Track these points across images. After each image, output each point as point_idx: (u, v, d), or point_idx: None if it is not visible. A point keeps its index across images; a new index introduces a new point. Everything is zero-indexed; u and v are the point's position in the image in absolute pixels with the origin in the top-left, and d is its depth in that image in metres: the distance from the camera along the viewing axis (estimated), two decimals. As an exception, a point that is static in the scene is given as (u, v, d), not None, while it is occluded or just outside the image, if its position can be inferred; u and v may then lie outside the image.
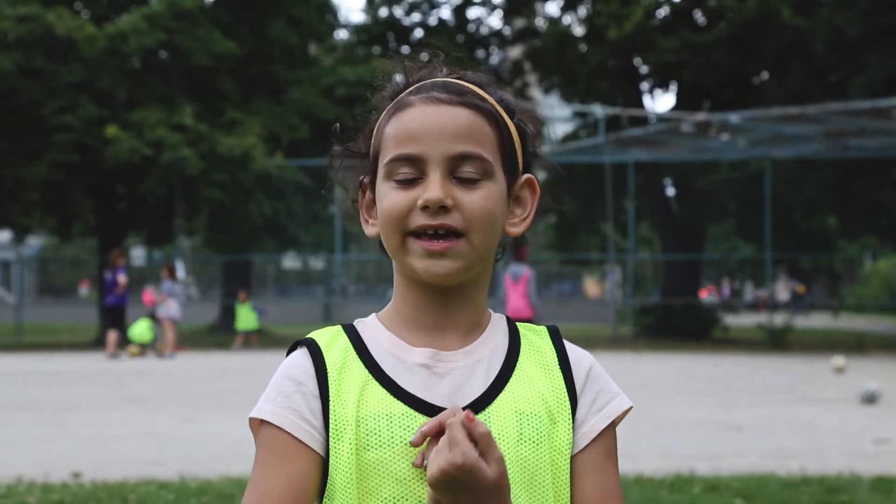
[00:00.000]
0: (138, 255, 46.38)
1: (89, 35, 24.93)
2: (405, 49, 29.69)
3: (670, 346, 25.43)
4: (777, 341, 26.65)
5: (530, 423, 1.51)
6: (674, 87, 30.77)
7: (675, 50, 26.72)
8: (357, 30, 32.70)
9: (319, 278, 51.91)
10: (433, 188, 1.48)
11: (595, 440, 1.54)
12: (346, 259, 37.86)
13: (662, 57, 27.23)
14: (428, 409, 1.48)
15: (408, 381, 1.51)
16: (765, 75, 29.93)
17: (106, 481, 7.58)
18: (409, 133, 1.51)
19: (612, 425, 1.57)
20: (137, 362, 20.95)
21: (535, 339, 1.61)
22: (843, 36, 25.38)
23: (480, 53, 31.92)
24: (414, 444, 1.44)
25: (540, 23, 31.50)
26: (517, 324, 1.63)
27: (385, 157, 1.53)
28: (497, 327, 1.60)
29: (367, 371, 1.52)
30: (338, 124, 1.66)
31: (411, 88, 1.57)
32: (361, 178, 1.60)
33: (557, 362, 1.58)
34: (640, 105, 30.64)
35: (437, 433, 1.42)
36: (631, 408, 1.59)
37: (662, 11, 28.10)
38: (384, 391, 1.50)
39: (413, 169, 1.50)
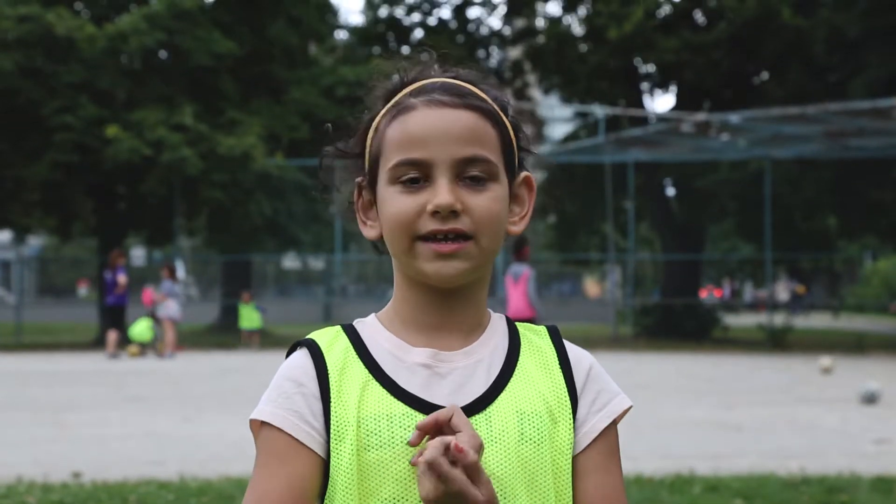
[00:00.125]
0: (138, 255, 46.38)
1: (89, 35, 24.93)
2: (405, 49, 29.68)
3: (670, 346, 25.44)
4: (777, 341, 26.65)
5: (531, 422, 1.51)
6: (674, 87, 30.78)
7: (675, 50, 26.72)
8: (356, 31, 32.73)
9: (319, 278, 51.91)
10: (443, 193, 1.48)
11: (596, 440, 1.55)
12: (346, 259, 37.87)
13: (662, 57, 27.24)
14: (428, 409, 1.48)
15: (408, 382, 1.51)
16: (765, 75, 29.93)
17: (106, 481, 7.58)
18: (414, 137, 1.50)
19: (613, 424, 1.57)
20: (137, 362, 20.94)
21: (535, 339, 1.61)
22: (843, 36, 25.38)
23: (481, 53, 31.93)
24: (412, 444, 1.44)
25: (540, 23, 31.49)
26: (517, 324, 1.63)
27: (389, 162, 1.52)
28: (497, 327, 1.60)
29: (367, 371, 1.52)
30: (329, 125, 1.65)
31: (410, 90, 1.56)
32: (358, 179, 1.60)
33: (558, 362, 1.58)
34: (640, 105, 30.65)
35: (434, 430, 1.42)
36: (631, 407, 1.59)
37: (663, 11, 28.10)
38: (384, 391, 1.50)
39: (419, 173, 1.50)
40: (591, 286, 65.77)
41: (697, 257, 32.19)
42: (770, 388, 15.40)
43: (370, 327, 1.58)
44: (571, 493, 1.52)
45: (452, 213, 1.48)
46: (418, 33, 31.65)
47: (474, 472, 1.37)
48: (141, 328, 22.66)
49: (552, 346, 1.60)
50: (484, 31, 32.77)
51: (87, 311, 34.93)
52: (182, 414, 11.92)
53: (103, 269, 24.03)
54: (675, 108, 29.78)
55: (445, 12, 32.20)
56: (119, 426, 10.93)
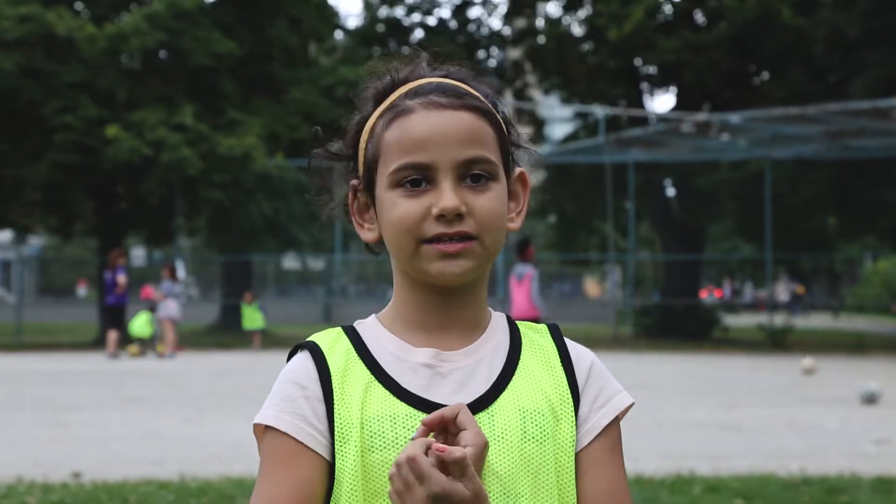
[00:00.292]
0: (138, 255, 46.39)
1: (89, 35, 24.93)
2: (405, 50, 29.67)
3: (670, 347, 25.44)
4: (777, 342, 26.65)
5: (534, 420, 1.51)
6: (674, 87, 30.78)
7: (676, 50, 26.72)
8: (355, 33, 32.73)
9: (319, 278, 51.92)
10: (447, 197, 1.48)
11: (599, 436, 1.54)
12: (346, 259, 37.86)
13: (662, 57, 27.24)
14: (431, 409, 1.47)
15: (410, 382, 1.51)
16: (765, 75, 29.94)
17: (106, 481, 7.58)
18: (415, 141, 1.50)
19: (616, 421, 1.57)
20: (137, 362, 20.94)
21: (536, 337, 1.61)
22: (843, 36, 25.39)
23: (481, 54, 31.95)
24: (415, 440, 1.43)
25: (540, 23, 31.50)
26: (518, 322, 1.63)
27: (389, 166, 1.51)
28: (498, 326, 1.60)
29: (369, 373, 1.52)
30: (318, 128, 1.65)
31: (405, 91, 1.55)
32: (353, 182, 1.60)
33: (559, 359, 1.58)
34: (641, 105, 30.66)
35: (440, 428, 1.42)
36: (633, 404, 1.59)
37: (663, 12, 28.10)
38: (387, 392, 1.50)
39: (421, 177, 1.50)
40: (592, 286, 65.81)
41: (697, 257, 32.19)
42: (770, 389, 15.40)
43: (371, 328, 1.58)
44: (574, 490, 1.52)
45: (457, 216, 1.48)
46: (418, 34, 31.67)
47: (460, 468, 1.36)
48: (141, 322, 22.64)
49: (553, 343, 1.60)
50: (484, 31, 32.78)
51: (88, 311, 34.94)
52: (182, 414, 11.91)
53: (103, 270, 24.03)
54: (675, 109, 29.78)
55: (445, 12, 32.22)
56: (119, 426, 10.93)
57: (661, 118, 28.43)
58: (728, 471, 8.02)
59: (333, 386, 1.51)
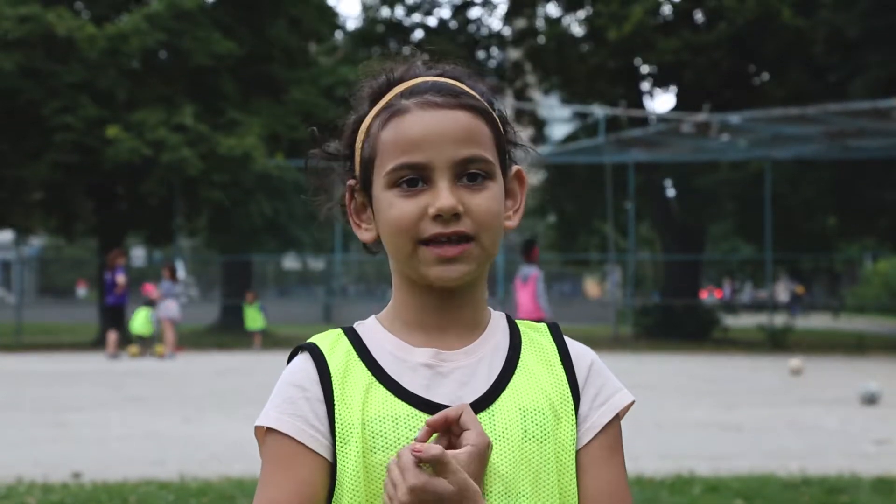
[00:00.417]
0: (138, 255, 46.39)
1: (90, 35, 24.93)
2: (406, 50, 29.66)
3: (670, 347, 25.44)
4: (777, 342, 26.65)
5: (534, 419, 1.51)
6: (674, 87, 30.78)
7: (675, 50, 26.72)
8: (355, 34, 32.73)
9: (319, 278, 51.93)
10: (444, 196, 1.48)
11: (599, 434, 1.54)
12: (346, 259, 37.86)
13: (662, 57, 27.24)
14: (432, 409, 1.48)
15: (411, 382, 1.51)
16: (765, 75, 29.94)
17: (106, 481, 7.58)
18: (411, 140, 1.50)
19: (616, 419, 1.57)
20: (137, 362, 20.94)
21: (536, 336, 1.61)
22: (843, 36, 25.39)
23: (481, 54, 31.94)
24: (420, 441, 1.44)
25: (540, 24, 31.50)
26: (518, 321, 1.63)
27: (386, 166, 1.51)
28: (498, 325, 1.60)
29: (370, 374, 1.52)
30: (314, 128, 1.65)
31: (401, 91, 1.55)
32: (350, 182, 1.60)
33: (559, 358, 1.58)
34: (641, 105, 30.66)
35: (444, 428, 1.43)
36: (633, 402, 1.59)
37: (664, 11, 28.09)
38: (388, 393, 1.50)
39: (417, 176, 1.50)
40: (592, 286, 65.82)
41: (697, 258, 32.19)
42: (770, 389, 15.40)
43: (371, 329, 1.58)
44: (575, 488, 1.52)
45: (454, 216, 1.48)
46: (418, 34, 31.66)
47: (440, 463, 1.37)
48: (141, 320, 22.61)
49: (553, 342, 1.60)
50: (484, 31, 32.78)
51: (88, 311, 34.94)
52: (182, 414, 11.91)
53: (103, 270, 24.03)
54: (675, 109, 29.79)
55: (445, 13, 32.22)
56: (119, 426, 10.93)
57: (661, 118, 28.43)
58: (728, 471, 8.02)
59: (334, 387, 1.51)
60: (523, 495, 1.47)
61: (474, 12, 32.73)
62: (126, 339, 22.97)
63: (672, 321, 29.00)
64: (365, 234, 1.59)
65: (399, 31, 31.77)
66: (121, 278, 22.27)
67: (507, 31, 33.29)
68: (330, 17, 32.26)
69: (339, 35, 34.50)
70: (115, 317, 22.65)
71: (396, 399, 1.50)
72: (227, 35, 26.95)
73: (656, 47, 26.93)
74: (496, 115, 1.58)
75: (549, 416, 1.52)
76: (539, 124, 34.10)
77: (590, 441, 1.54)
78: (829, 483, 7.45)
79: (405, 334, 1.55)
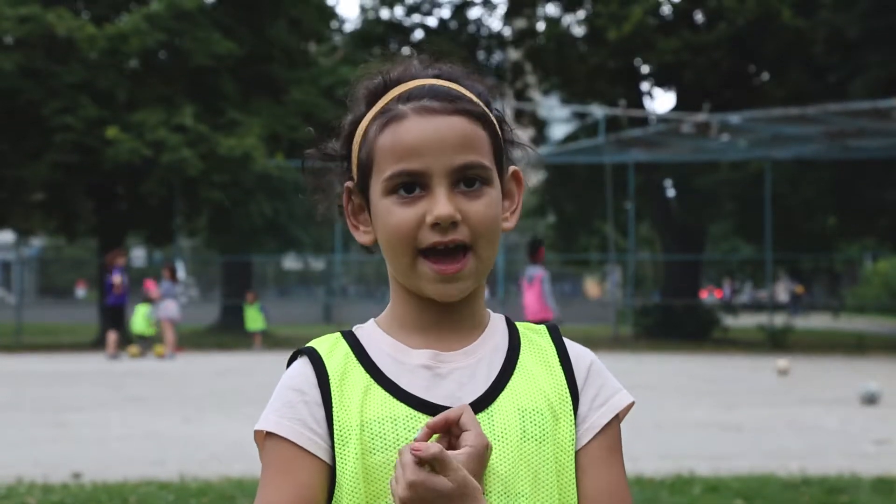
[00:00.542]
0: (138, 255, 46.40)
1: (89, 35, 24.93)
2: (405, 50, 29.67)
3: (670, 347, 25.44)
4: (777, 342, 26.65)
5: (533, 420, 1.51)
6: (674, 87, 30.77)
7: (675, 50, 26.72)
8: (354, 35, 32.73)
9: (320, 279, 51.93)
10: (442, 204, 1.47)
11: (598, 435, 1.54)
12: (346, 259, 37.86)
13: (662, 57, 27.23)
14: (431, 409, 1.48)
15: (410, 384, 1.51)
16: (765, 75, 29.94)
17: (106, 482, 7.58)
18: (409, 147, 1.49)
19: (616, 420, 1.57)
20: (137, 363, 20.95)
21: (535, 337, 1.61)
22: (843, 36, 25.38)
23: (481, 54, 31.93)
24: (418, 441, 1.44)
25: (540, 24, 31.51)
26: (517, 323, 1.63)
27: (384, 172, 1.51)
28: (496, 327, 1.60)
29: (368, 376, 1.52)
30: (311, 129, 1.65)
31: (398, 95, 1.54)
32: (347, 184, 1.59)
33: (558, 359, 1.58)
34: (641, 105, 30.65)
35: (444, 429, 1.43)
36: (633, 403, 1.59)
37: (664, 11, 28.09)
38: (387, 394, 1.50)
39: (415, 183, 1.50)
40: (592, 287, 65.82)
41: (697, 258, 32.19)
42: (770, 389, 15.40)
43: (369, 332, 1.58)
44: (575, 489, 1.52)
45: (452, 224, 1.48)
46: (418, 34, 31.66)
47: (440, 462, 1.37)
48: (141, 319, 22.59)
49: (552, 343, 1.60)
50: (484, 32, 32.78)
51: (88, 311, 34.94)
52: (182, 414, 11.91)
53: (104, 270, 24.03)
54: (675, 109, 29.78)
55: (445, 13, 32.22)
56: (119, 426, 10.93)
57: (661, 118, 28.43)
58: (728, 471, 8.02)
59: (332, 389, 1.51)
60: (522, 495, 1.47)
61: (474, 12, 32.76)
62: (126, 340, 22.97)
63: (672, 321, 28.99)
64: (363, 237, 1.59)
65: (399, 31, 31.77)
66: (116, 278, 22.26)
67: (507, 32, 33.29)
68: (330, 18, 32.26)
69: (338, 35, 34.49)
70: (114, 317, 22.65)
71: (395, 400, 1.50)
72: (227, 35, 26.95)
73: (656, 47, 26.93)
74: (494, 115, 1.57)
75: (547, 416, 1.52)
76: (539, 124, 34.11)
77: (589, 441, 1.54)
78: (829, 483, 7.45)
79: (403, 336, 1.55)
